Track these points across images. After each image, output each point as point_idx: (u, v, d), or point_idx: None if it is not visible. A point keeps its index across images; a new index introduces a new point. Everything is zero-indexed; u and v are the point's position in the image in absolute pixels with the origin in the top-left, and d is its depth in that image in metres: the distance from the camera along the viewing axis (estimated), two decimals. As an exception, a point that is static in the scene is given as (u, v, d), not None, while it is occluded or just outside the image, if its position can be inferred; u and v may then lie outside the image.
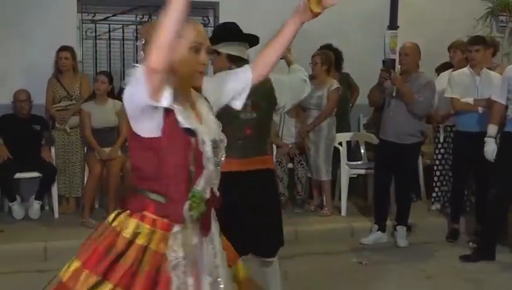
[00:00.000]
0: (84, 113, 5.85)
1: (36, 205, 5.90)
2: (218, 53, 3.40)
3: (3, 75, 5.85)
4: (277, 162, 6.26)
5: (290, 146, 6.31)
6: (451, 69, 6.06)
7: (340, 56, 6.51)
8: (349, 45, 6.76)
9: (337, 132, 6.17)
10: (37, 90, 5.98)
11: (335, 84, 5.99)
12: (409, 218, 5.64)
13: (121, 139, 5.81)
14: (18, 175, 5.84)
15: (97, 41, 6.65)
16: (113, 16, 6.61)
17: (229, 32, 3.48)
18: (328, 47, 6.35)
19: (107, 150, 5.78)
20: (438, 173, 6.33)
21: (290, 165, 6.32)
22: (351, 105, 6.84)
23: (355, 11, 6.97)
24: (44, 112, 6.13)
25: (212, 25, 6.85)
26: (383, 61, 5.54)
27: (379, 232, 5.61)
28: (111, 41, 6.67)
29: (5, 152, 5.78)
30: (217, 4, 6.75)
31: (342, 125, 6.40)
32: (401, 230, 5.58)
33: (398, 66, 5.35)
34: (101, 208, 6.05)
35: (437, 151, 6.32)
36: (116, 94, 5.98)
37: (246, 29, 7.01)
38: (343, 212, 6.15)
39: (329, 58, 6.05)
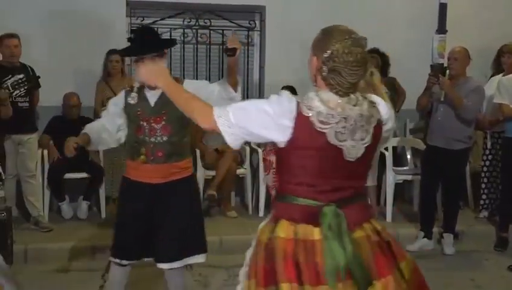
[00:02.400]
0: None
1: (84, 205, 6.03)
2: None
3: (54, 78, 5.98)
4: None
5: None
6: (501, 74, 5.93)
7: (386, 60, 6.45)
8: (396, 48, 6.68)
9: None
10: (86, 92, 6.11)
11: (383, 89, 5.91)
12: (456, 225, 5.54)
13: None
14: (67, 175, 5.98)
15: (145, 44, 6.73)
16: (161, 19, 6.70)
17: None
18: (375, 51, 6.29)
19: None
20: (485, 180, 6.19)
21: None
22: (397, 110, 6.75)
23: (402, 14, 6.90)
24: (93, 113, 6.25)
25: (259, 29, 6.87)
26: (431, 66, 5.46)
27: (425, 239, 5.52)
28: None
29: (55, 153, 5.92)
30: (263, 8, 6.77)
31: None
32: (448, 238, 5.49)
33: (447, 71, 5.24)
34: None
35: (485, 157, 6.19)
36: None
37: (291, 31, 7.06)
38: (389, 218, 6.08)
39: (377, 63, 5.99)
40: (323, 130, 2.12)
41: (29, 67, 5.61)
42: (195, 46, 6.84)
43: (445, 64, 5.52)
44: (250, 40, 6.93)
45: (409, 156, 6.64)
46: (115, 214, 6.04)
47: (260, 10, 6.84)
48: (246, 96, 7.01)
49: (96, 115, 6.21)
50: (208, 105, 2.25)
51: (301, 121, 2.12)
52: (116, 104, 3.54)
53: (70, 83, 6.21)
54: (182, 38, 6.78)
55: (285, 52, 6.58)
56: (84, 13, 6.26)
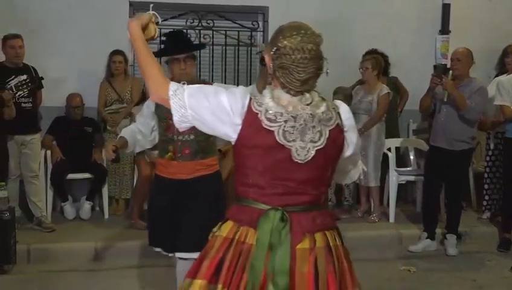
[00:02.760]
0: (135, 116, 5.93)
1: (87, 205, 6.03)
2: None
3: (57, 79, 6.00)
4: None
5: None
6: (505, 74, 5.91)
7: (386, 60, 6.44)
8: (399, 49, 6.69)
9: (385, 137, 6.10)
10: (89, 93, 6.12)
11: (385, 89, 5.93)
12: (459, 226, 5.53)
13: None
14: (70, 176, 5.99)
15: (148, 45, 6.73)
16: (163, 20, 6.65)
17: None
18: (373, 52, 6.29)
19: (156, 152, 5.84)
20: (488, 181, 6.18)
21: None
22: (399, 110, 6.76)
23: (405, 15, 6.90)
24: (96, 114, 6.27)
25: (262, 30, 6.88)
26: (434, 66, 5.45)
27: (428, 239, 5.52)
28: (162, 45, 6.75)
29: (58, 153, 5.94)
30: (266, 9, 6.77)
31: (390, 130, 6.32)
32: (451, 238, 5.48)
33: (450, 72, 5.24)
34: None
35: (487, 158, 6.19)
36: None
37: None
38: (392, 219, 6.08)
39: (380, 63, 5.99)
40: (271, 128, 2.04)
41: (32, 67, 5.63)
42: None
43: (448, 65, 5.52)
44: (253, 40, 6.93)
45: (412, 157, 6.64)
46: (118, 214, 6.13)
47: (263, 11, 6.84)
48: (248, 96, 7.01)
49: (99, 116, 6.24)
50: (164, 76, 2.16)
51: (250, 118, 2.05)
52: (148, 106, 3.66)
53: (73, 84, 6.22)
54: (185, 39, 6.77)
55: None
56: (87, 14, 6.27)
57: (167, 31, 6.60)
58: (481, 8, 7.08)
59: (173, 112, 2.10)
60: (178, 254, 3.62)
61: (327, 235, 2.11)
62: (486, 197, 6.23)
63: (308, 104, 2.08)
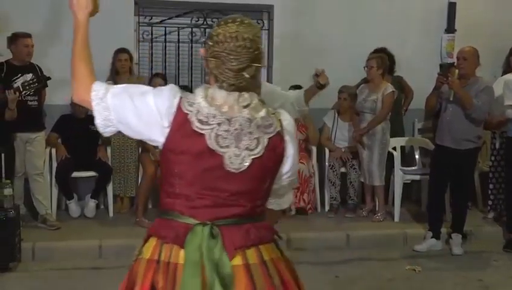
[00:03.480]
0: None
1: (92, 203, 6.03)
2: None
3: (62, 77, 5.96)
4: (329, 166, 6.24)
5: (343, 150, 6.27)
6: (510, 74, 5.89)
7: (392, 59, 6.42)
8: (404, 48, 6.67)
9: (390, 136, 6.08)
10: (94, 91, 6.11)
11: (390, 87, 5.91)
12: (464, 226, 5.51)
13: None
14: (75, 174, 5.98)
15: (153, 43, 6.75)
16: (169, 19, 6.70)
17: None
18: (382, 50, 6.27)
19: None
20: (493, 181, 6.16)
21: (343, 169, 6.28)
22: (404, 109, 6.73)
23: (411, 14, 6.88)
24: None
25: (267, 28, 6.86)
26: (440, 66, 5.45)
27: (433, 239, 5.50)
28: (166, 43, 6.76)
29: (63, 151, 5.94)
30: (271, 7, 6.75)
31: (395, 129, 6.31)
32: (456, 238, 5.46)
33: (456, 70, 5.21)
34: (155, 208, 6.12)
35: (493, 158, 6.16)
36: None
37: (300, 31, 7.06)
38: (396, 218, 6.06)
39: (385, 62, 5.97)
40: (202, 132, 1.82)
41: (38, 66, 5.63)
42: (203, 45, 6.83)
43: (455, 64, 5.50)
44: (258, 39, 6.90)
45: (417, 156, 6.61)
46: (123, 213, 6.13)
47: (268, 9, 6.82)
48: (253, 95, 7.00)
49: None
50: (91, 75, 1.98)
51: (179, 120, 1.82)
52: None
53: (79, 82, 6.22)
54: (190, 37, 6.77)
55: (293, 51, 6.56)
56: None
57: (173, 29, 6.74)
58: (487, 6, 7.05)
59: (95, 114, 1.89)
60: None
61: (261, 250, 1.89)
62: (492, 197, 6.20)
63: (245, 106, 1.86)
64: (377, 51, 6.30)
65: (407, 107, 6.76)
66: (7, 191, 4.88)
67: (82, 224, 5.81)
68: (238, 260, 1.84)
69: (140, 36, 6.68)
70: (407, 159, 6.63)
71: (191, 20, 6.75)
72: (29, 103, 5.49)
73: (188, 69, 6.82)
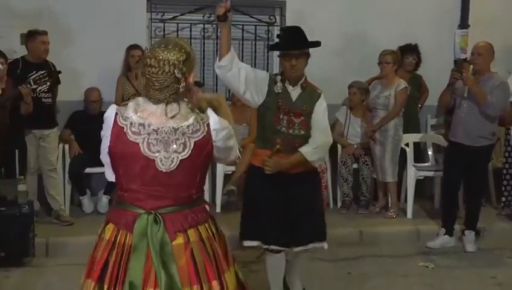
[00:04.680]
0: None
1: (104, 199, 6.06)
2: None
3: (75, 73, 6.03)
4: (342, 162, 6.22)
5: (356, 146, 6.25)
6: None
7: (419, 57, 6.38)
8: (418, 43, 6.61)
9: (406, 133, 6.06)
10: (107, 87, 6.14)
11: (402, 84, 5.89)
12: (477, 222, 5.48)
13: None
14: (88, 170, 6.00)
15: (165, 40, 6.76)
16: (181, 15, 6.71)
17: None
18: (414, 47, 6.25)
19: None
20: (507, 177, 6.12)
21: (355, 165, 6.26)
22: (420, 105, 6.70)
23: (425, 10, 6.82)
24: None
25: (279, 24, 6.85)
26: (455, 61, 5.40)
27: (446, 236, 5.47)
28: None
29: (76, 147, 5.97)
30: (283, 3, 6.74)
31: (411, 126, 6.28)
32: (470, 235, 5.43)
33: (470, 66, 5.16)
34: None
35: (506, 154, 6.12)
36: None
37: (312, 28, 7.02)
38: (409, 215, 6.04)
39: (399, 58, 5.96)
40: (136, 141, 2.20)
41: (51, 63, 5.66)
42: (216, 41, 6.84)
43: (467, 59, 5.46)
44: (270, 35, 6.91)
45: (430, 152, 6.58)
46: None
47: (280, 5, 6.81)
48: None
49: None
50: None
51: (116, 131, 2.24)
52: (262, 79, 3.69)
53: (91, 78, 6.25)
54: (202, 33, 6.78)
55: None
56: (105, 8, 6.29)
57: (185, 25, 6.75)
58: (500, 1, 6.99)
59: None
60: (299, 248, 3.73)
61: (199, 229, 2.29)
62: (505, 194, 6.16)
63: (173, 117, 2.22)
64: (408, 46, 6.28)
65: (422, 104, 6.72)
66: (21, 187, 4.92)
67: (95, 219, 5.82)
68: (180, 240, 2.23)
69: (153, 32, 6.69)
70: (420, 155, 6.59)
71: (203, 17, 6.75)
72: (44, 99, 5.52)
73: (200, 65, 6.82)
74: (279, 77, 3.69)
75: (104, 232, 2.31)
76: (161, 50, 2.23)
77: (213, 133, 2.28)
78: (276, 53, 6.87)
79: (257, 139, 3.82)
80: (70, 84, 5.90)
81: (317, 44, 3.74)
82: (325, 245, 3.83)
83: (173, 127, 2.22)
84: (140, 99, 2.29)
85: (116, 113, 2.26)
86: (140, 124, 2.21)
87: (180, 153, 2.21)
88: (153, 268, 2.18)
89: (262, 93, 3.65)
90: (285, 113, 3.65)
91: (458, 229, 5.56)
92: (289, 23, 6.68)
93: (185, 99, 2.31)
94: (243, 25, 6.81)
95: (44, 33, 5.53)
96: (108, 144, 2.26)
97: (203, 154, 2.27)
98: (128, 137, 2.21)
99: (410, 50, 6.28)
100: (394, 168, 5.96)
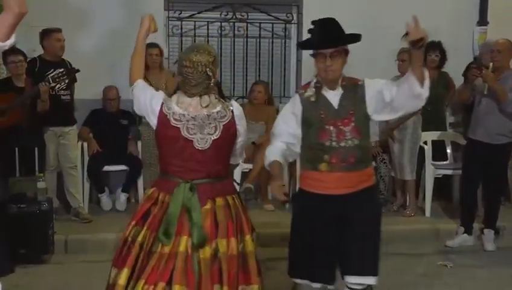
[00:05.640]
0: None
1: (123, 197, 6.10)
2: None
3: (93, 72, 6.05)
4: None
5: (374, 144, 6.21)
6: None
7: (444, 55, 6.31)
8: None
9: (432, 131, 6.00)
10: (124, 85, 6.11)
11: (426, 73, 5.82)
12: (497, 221, 5.42)
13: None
14: (106, 168, 6.05)
15: (183, 38, 6.78)
16: (198, 13, 6.72)
17: None
18: (437, 44, 6.19)
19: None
20: (527, 175, 6.05)
21: (373, 163, 6.22)
22: (447, 103, 6.62)
23: (443, 6, 6.76)
24: (131, 107, 6.30)
25: (296, 22, 6.84)
26: (475, 58, 5.34)
27: (465, 235, 5.43)
28: (196, 38, 6.78)
29: (95, 145, 6.01)
30: (300, 1, 6.72)
31: (438, 124, 6.24)
32: (489, 233, 5.38)
33: (490, 64, 5.11)
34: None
35: (526, 152, 6.04)
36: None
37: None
38: (428, 213, 6.00)
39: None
40: (177, 126, 2.77)
41: (68, 62, 5.70)
42: (233, 39, 6.85)
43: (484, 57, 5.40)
44: (287, 33, 6.90)
45: (449, 151, 6.52)
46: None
47: (297, 3, 6.80)
48: (283, 89, 6.99)
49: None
50: (138, 74, 3.10)
51: (162, 117, 2.80)
52: (294, 113, 3.16)
53: (109, 77, 6.28)
54: (219, 31, 6.79)
55: (322, 45, 6.51)
56: (122, 6, 6.32)
57: (202, 23, 6.76)
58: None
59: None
60: (350, 279, 3.11)
61: (227, 198, 2.84)
62: (525, 192, 6.10)
63: (206, 106, 2.78)
64: (431, 43, 6.22)
65: (449, 102, 6.65)
66: (40, 185, 4.97)
67: (113, 217, 5.87)
68: (208, 205, 2.78)
69: (170, 31, 6.71)
70: (438, 153, 6.54)
71: (220, 15, 6.76)
72: (62, 97, 5.57)
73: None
74: (313, 82, 3.16)
75: (149, 192, 2.89)
76: (194, 54, 2.77)
77: (236, 118, 2.83)
78: (293, 51, 6.92)
79: (302, 159, 3.23)
80: (88, 83, 5.93)
81: (356, 38, 3.13)
82: (374, 281, 3.16)
83: (206, 114, 2.78)
84: (178, 93, 2.83)
85: (162, 103, 2.81)
86: (181, 114, 2.77)
87: (212, 134, 2.77)
88: (185, 223, 2.71)
89: (299, 119, 3.15)
90: (331, 124, 3.06)
91: (477, 227, 5.51)
92: (306, 20, 6.65)
93: (213, 92, 2.83)
94: (260, 23, 6.81)
95: (59, 30, 5.57)
96: (156, 128, 2.83)
97: (229, 134, 2.82)
98: (171, 123, 2.77)
99: (432, 47, 6.22)
100: (413, 166, 5.92)
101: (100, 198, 6.10)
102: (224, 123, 2.79)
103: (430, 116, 5.99)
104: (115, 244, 5.18)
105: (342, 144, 3.05)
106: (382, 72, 6.20)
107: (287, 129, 3.18)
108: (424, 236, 5.60)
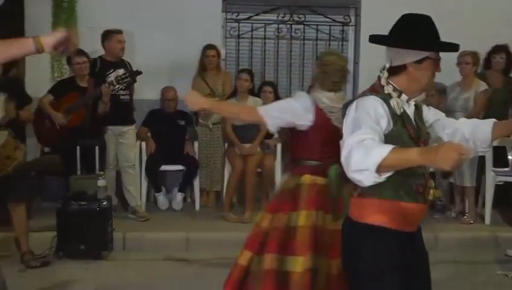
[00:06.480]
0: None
1: (179, 196, 6.18)
2: None
3: (152, 72, 6.15)
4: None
5: (432, 150, 6.08)
6: None
7: (511, 58, 6.12)
8: (495, 43, 6.35)
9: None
10: (182, 86, 6.22)
11: (483, 85, 5.69)
12: (561, 231, 5.24)
13: (260, 136, 5.91)
14: (163, 167, 6.14)
15: (240, 40, 6.82)
16: (255, 15, 6.75)
17: None
18: (502, 47, 6.02)
19: (247, 146, 5.91)
20: None
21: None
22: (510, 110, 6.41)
23: (501, 8, 6.53)
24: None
25: (354, 24, 6.77)
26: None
27: (527, 244, 5.26)
28: (253, 40, 6.81)
29: (152, 145, 6.11)
30: (358, 3, 6.66)
31: None
32: (552, 244, 5.20)
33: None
34: (240, 203, 6.16)
35: None
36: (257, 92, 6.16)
37: (387, 27, 6.83)
38: (487, 221, 5.84)
39: (479, 59, 5.77)
40: (331, 117, 3.31)
41: (128, 62, 5.83)
42: (290, 41, 6.84)
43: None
44: (344, 35, 6.84)
45: (510, 157, 6.32)
46: (209, 206, 6.23)
47: (355, 5, 6.74)
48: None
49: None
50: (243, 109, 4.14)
51: (319, 112, 3.32)
52: (379, 124, 2.30)
53: (167, 78, 6.37)
54: (276, 33, 6.80)
55: (380, 47, 6.41)
56: (181, 9, 6.39)
57: (259, 25, 6.78)
58: None
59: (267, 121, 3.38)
60: None
61: None
62: None
63: (342, 99, 3.24)
64: (498, 47, 6.07)
65: None
66: (101, 183, 5.07)
67: (170, 216, 5.96)
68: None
69: (227, 32, 6.76)
70: (499, 160, 6.34)
71: (278, 17, 6.77)
72: (122, 97, 5.69)
73: (273, 65, 6.85)
74: (390, 89, 2.51)
75: (302, 180, 3.34)
76: (336, 56, 3.44)
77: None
78: (351, 53, 6.83)
79: (381, 188, 2.26)
80: (147, 83, 6.03)
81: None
82: None
83: (342, 105, 2.78)
84: (319, 91, 3.38)
85: (314, 100, 3.33)
86: (332, 106, 3.28)
87: None
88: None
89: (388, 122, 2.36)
90: (418, 144, 2.38)
91: (540, 237, 5.33)
92: (364, 23, 6.60)
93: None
94: (317, 25, 6.78)
95: (120, 32, 5.71)
96: (312, 122, 3.30)
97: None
98: (326, 115, 3.30)
99: (498, 49, 6.05)
100: (472, 172, 5.77)
101: (157, 197, 6.20)
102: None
103: None
104: (170, 243, 5.28)
105: (428, 169, 2.49)
106: (445, 74, 6.11)
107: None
108: (483, 244, 5.45)
